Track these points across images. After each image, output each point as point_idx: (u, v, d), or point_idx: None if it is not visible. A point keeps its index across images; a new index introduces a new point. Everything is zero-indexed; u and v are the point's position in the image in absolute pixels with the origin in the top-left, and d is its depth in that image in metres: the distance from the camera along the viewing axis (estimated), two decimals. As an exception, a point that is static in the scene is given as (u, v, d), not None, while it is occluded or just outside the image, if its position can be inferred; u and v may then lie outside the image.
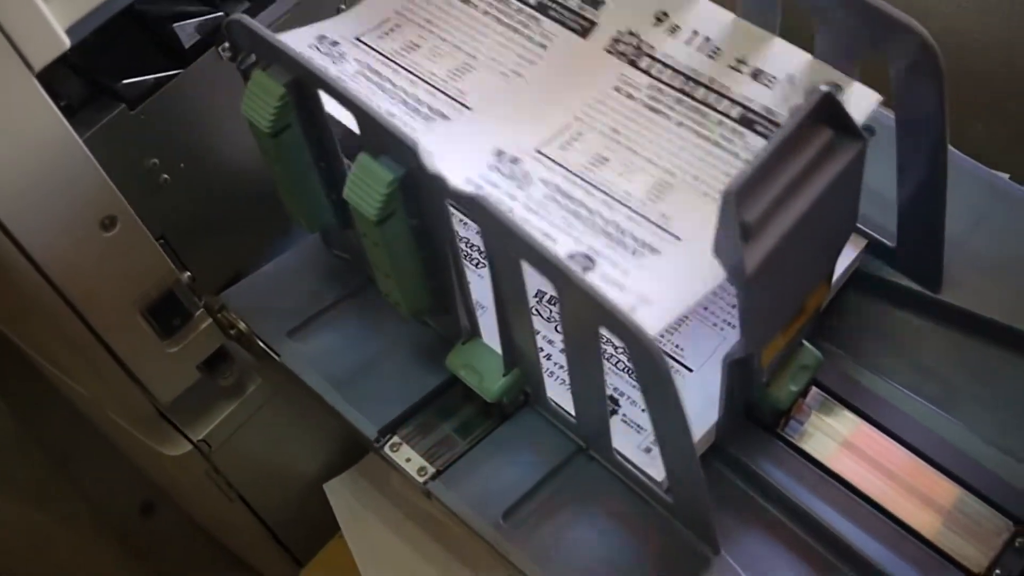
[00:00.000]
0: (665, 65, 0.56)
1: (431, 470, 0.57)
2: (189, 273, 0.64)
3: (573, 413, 0.56)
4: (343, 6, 0.63)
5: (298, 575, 0.81)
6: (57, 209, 0.56)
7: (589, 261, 0.51)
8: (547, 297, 0.61)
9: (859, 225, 0.60)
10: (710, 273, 0.48)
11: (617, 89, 0.57)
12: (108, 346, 0.63)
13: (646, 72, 0.56)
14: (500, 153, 0.55)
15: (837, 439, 0.58)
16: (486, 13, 0.61)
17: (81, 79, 0.58)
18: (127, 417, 0.73)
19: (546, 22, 0.60)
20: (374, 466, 0.80)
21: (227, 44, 0.55)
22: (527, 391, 0.59)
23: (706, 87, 0.55)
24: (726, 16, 0.56)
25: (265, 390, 0.73)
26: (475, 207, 0.47)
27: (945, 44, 0.49)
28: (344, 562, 0.77)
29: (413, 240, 0.53)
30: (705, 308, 0.60)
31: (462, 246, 0.61)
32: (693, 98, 0.55)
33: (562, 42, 0.59)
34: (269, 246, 0.68)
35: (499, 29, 0.60)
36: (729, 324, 0.60)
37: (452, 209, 0.51)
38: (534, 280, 0.48)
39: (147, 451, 0.74)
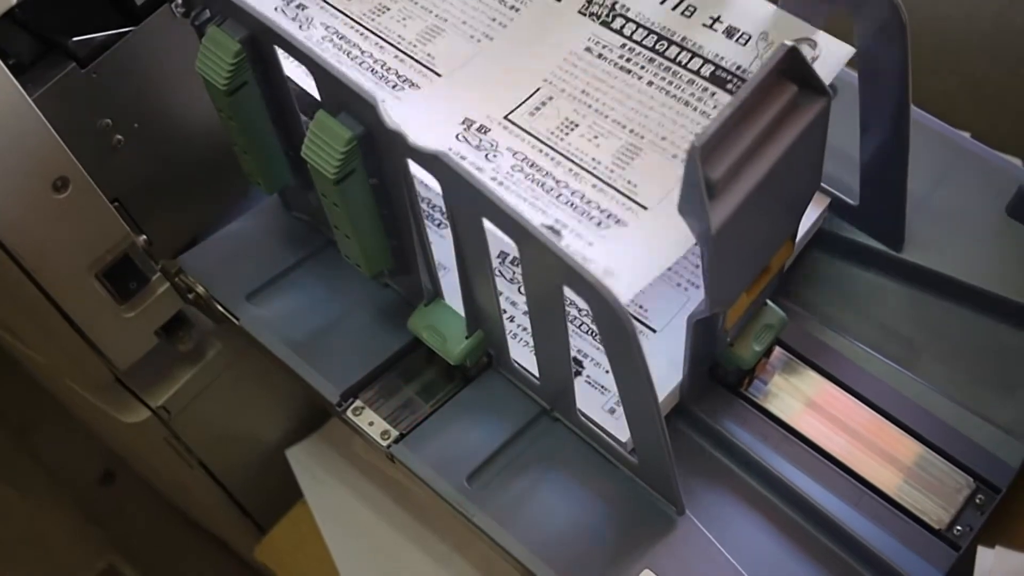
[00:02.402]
0: (638, 24, 0.56)
1: (394, 433, 0.57)
2: (145, 236, 0.63)
3: (537, 375, 0.56)
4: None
5: (261, 541, 0.81)
6: (7, 170, 0.55)
7: (555, 234, 0.51)
8: (510, 258, 0.61)
9: (822, 184, 0.60)
10: (676, 242, 0.49)
11: (588, 50, 0.56)
12: (63, 311, 0.61)
13: (619, 32, 0.56)
14: (469, 122, 0.55)
15: (800, 398, 0.58)
16: None
17: (30, 36, 0.56)
18: (85, 384, 0.71)
19: None
20: (336, 431, 0.79)
21: (180, -1, 0.54)
22: (490, 353, 0.58)
23: (679, 45, 0.55)
24: None
25: (225, 355, 0.72)
26: (437, 165, 0.46)
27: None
28: (307, 528, 0.77)
29: (373, 199, 0.52)
30: (669, 268, 0.60)
31: (423, 207, 0.61)
32: (665, 57, 0.55)
33: (535, 5, 0.58)
34: (227, 208, 0.67)
35: None
36: (693, 284, 0.59)
37: (412, 169, 0.50)
38: (496, 241, 0.48)
39: (106, 419, 0.73)
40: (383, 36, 0.59)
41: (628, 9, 0.57)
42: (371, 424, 0.58)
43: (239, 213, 0.66)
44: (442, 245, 0.56)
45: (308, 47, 0.49)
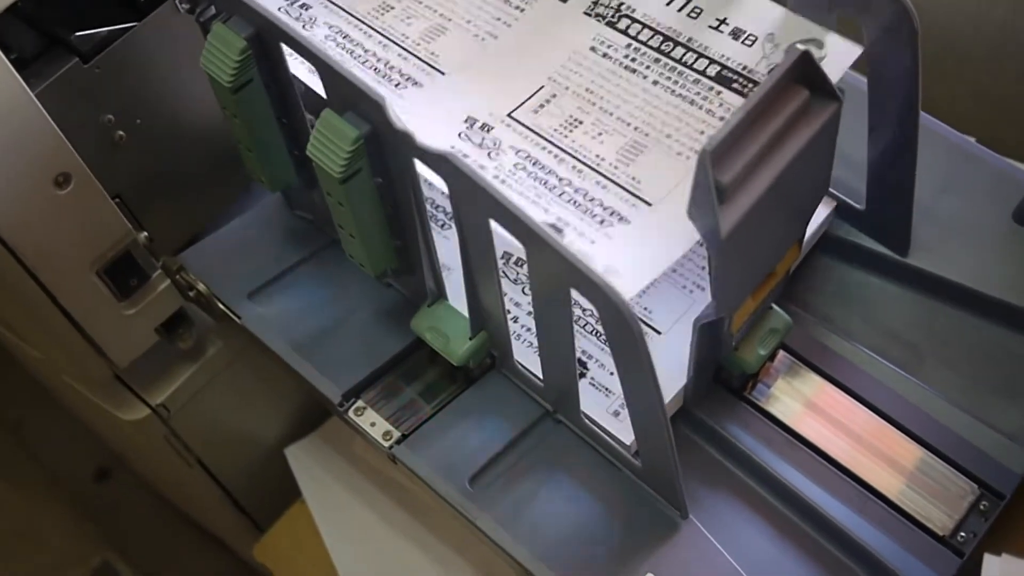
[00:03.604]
0: (644, 25, 0.56)
1: (396, 434, 0.57)
2: (146, 233, 0.63)
3: (540, 376, 0.56)
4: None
5: (259, 540, 0.80)
6: (8, 166, 0.54)
7: (557, 232, 0.50)
8: (514, 259, 0.61)
9: (829, 188, 0.60)
10: (680, 238, 0.48)
11: (593, 49, 0.56)
12: (63, 308, 0.61)
13: (624, 32, 0.56)
14: (472, 120, 0.54)
15: (804, 402, 0.58)
16: None
17: (33, 31, 0.56)
18: (83, 381, 0.71)
19: None
20: (336, 431, 0.79)
21: (185, -5, 0.54)
22: (493, 354, 0.58)
23: (684, 46, 0.55)
24: None
25: (225, 353, 0.72)
26: (444, 165, 0.46)
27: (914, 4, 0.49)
28: (306, 528, 0.76)
29: (378, 199, 0.52)
30: (674, 270, 0.60)
31: (428, 207, 0.61)
32: (670, 57, 0.55)
33: (541, 4, 0.58)
34: (229, 206, 0.67)
35: None
36: (699, 286, 0.59)
37: (418, 169, 0.50)
38: (500, 241, 0.48)
39: (104, 416, 0.72)
40: (387, 35, 0.58)
41: (634, 10, 0.57)
42: (373, 425, 0.57)
43: (241, 211, 0.66)
44: (446, 246, 0.56)
45: (314, 45, 0.48)
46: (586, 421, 0.55)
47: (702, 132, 0.53)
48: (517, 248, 0.46)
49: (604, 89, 0.55)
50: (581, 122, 0.54)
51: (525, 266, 0.52)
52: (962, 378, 0.58)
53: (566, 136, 0.54)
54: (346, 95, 0.48)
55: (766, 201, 0.45)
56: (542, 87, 0.55)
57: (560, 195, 0.52)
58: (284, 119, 0.55)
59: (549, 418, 0.57)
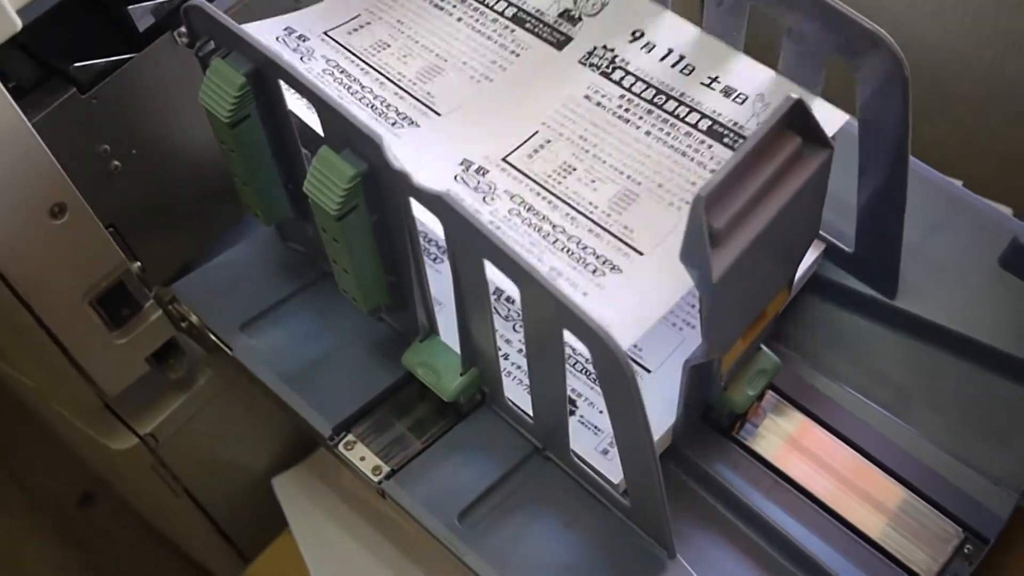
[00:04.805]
0: (638, 78, 0.57)
1: (386, 469, 0.57)
2: (139, 263, 0.63)
3: (530, 413, 0.56)
4: (302, -8, 0.62)
5: (244, 570, 0.80)
6: (4, 195, 0.54)
7: None
8: (505, 295, 0.61)
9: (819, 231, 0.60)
10: (671, 288, 0.49)
11: (587, 97, 0.57)
12: (55, 336, 0.61)
13: (618, 83, 0.57)
14: (467, 163, 0.55)
15: (791, 442, 0.58)
16: (460, 20, 0.61)
17: (31, 61, 0.56)
18: (72, 409, 0.71)
19: (521, 33, 0.60)
20: (324, 461, 0.79)
21: (184, 29, 0.54)
22: (484, 390, 0.58)
23: (677, 100, 0.56)
24: (702, 36, 0.57)
25: (215, 383, 0.72)
26: (440, 205, 0.47)
27: (898, 43, 0.49)
28: (292, 558, 0.76)
29: (373, 236, 0.52)
30: None
31: (420, 241, 0.61)
32: (663, 109, 0.56)
33: (536, 52, 0.59)
34: (222, 236, 0.67)
35: (472, 35, 0.60)
36: (688, 324, 0.59)
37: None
38: (492, 277, 0.48)
39: (91, 443, 0.72)
40: (384, 72, 0.59)
41: (628, 63, 0.57)
42: (362, 459, 0.57)
43: (234, 241, 0.66)
44: (438, 280, 0.56)
45: (313, 83, 0.49)
46: (575, 459, 0.55)
47: (693, 183, 0.53)
48: (508, 285, 0.46)
49: (597, 137, 0.55)
50: (575, 168, 0.55)
51: (516, 303, 0.52)
52: (948, 421, 0.58)
53: (560, 182, 0.55)
54: (343, 133, 0.49)
55: (757, 246, 0.45)
56: (536, 132, 0.56)
57: (554, 242, 0.53)
58: (280, 154, 0.56)
59: (538, 455, 0.57)
